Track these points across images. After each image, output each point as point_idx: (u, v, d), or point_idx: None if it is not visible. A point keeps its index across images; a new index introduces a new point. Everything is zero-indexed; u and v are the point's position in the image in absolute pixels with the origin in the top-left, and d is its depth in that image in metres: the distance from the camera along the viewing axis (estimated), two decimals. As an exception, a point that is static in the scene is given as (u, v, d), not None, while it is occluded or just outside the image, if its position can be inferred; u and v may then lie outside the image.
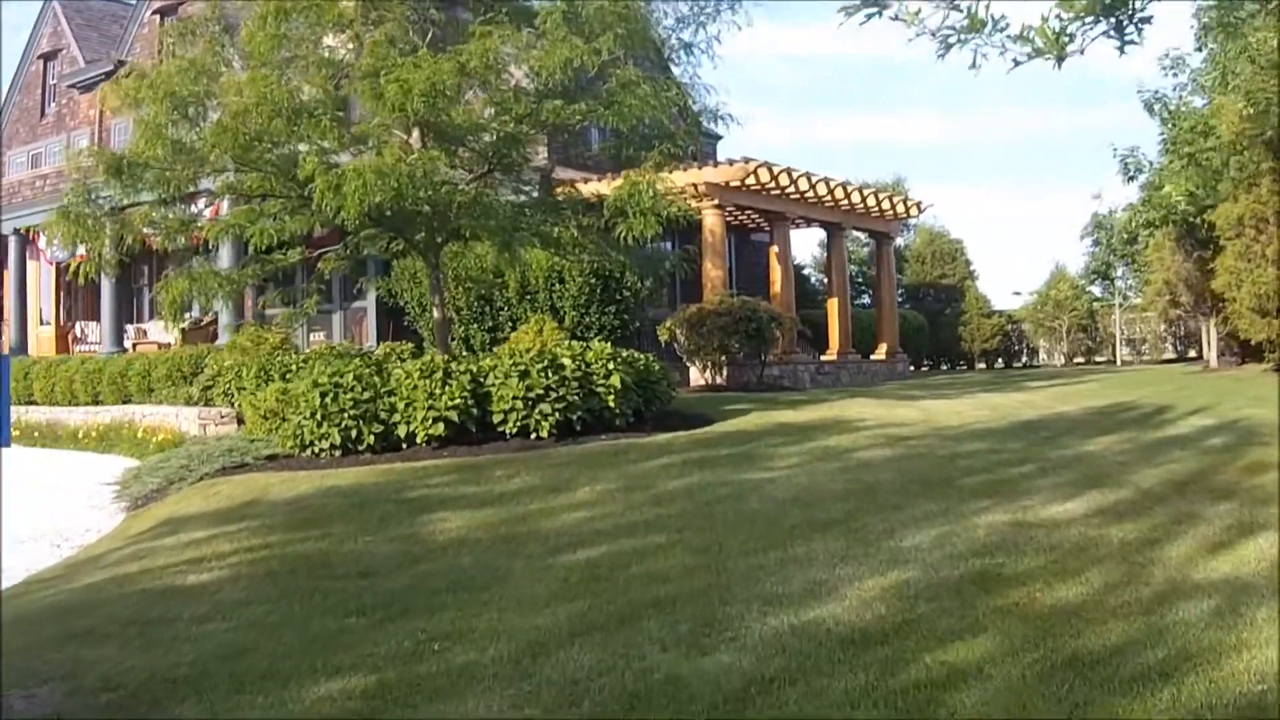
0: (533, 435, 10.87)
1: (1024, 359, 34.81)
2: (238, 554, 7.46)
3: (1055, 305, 32.81)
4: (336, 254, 14.23)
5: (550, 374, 10.92)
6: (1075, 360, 33.20)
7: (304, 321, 21.85)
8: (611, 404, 11.21)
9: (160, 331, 23.24)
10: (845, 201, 22.11)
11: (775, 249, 21.41)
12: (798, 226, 24.17)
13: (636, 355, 12.27)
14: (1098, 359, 34.22)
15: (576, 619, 5.09)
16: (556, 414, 10.86)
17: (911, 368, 26.39)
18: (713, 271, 19.68)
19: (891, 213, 23.93)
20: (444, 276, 18.27)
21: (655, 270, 15.40)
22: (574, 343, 12.04)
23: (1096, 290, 36.02)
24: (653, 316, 19.46)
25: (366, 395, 11.02)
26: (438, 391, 10.78)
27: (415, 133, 12.92)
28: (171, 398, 17.80)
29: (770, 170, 19.57)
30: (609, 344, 11.95)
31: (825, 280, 27.33)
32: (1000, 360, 33.48)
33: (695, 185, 19.31)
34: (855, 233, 33.72)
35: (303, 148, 12.25)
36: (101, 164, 12.06)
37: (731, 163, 19.76)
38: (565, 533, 6.90)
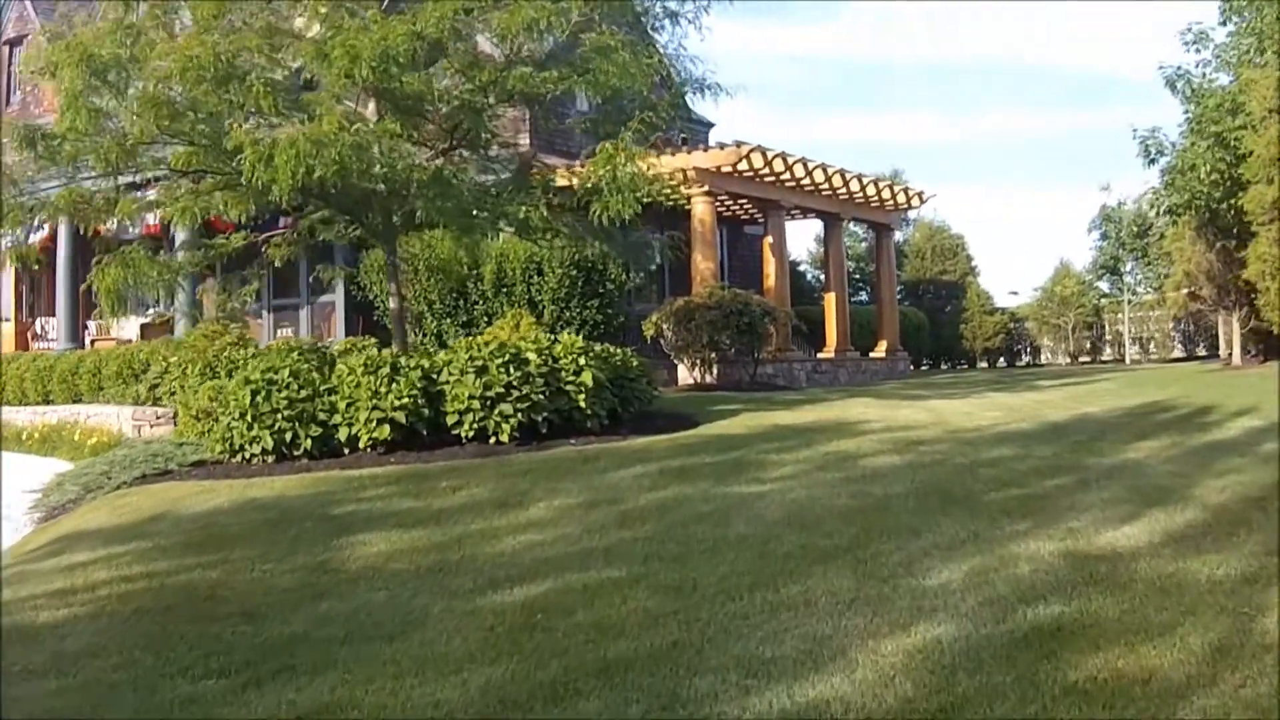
0: (492, 439, 9.56)
1: (1026, 358, 33.48)
2: (112, 584, 6.14)
3: (1060, 302, 31.47)
4: (285, 239, 12.92)
5: (512, 370, 9.59)
6: (1080, 359, 31.89)
7: (266, 314, 20.76)
8: (582, 404, 9.89)
9: (125, 327, 21.93)
10: (843, 190, 20.79)
11: (769, 240, 20.08)
12: (793, 217, 22.84)
13: (612, 350, 10.96)
14: (1103, 358, 32.91)
15: (494, 691, 3.78)
16: (519, 415, 9.53)
17: (911, 366, 25.08)
18: (702, 263, 18.35)
19: (891, 203, 22.61)
20: (417, 266, 17.06)
21: (638, 258, 14.08)
22: (540, 335, 10.71)
23: (1104, 286, 34.58)
24: (639, 311, 18.15)
25: (303, 394, 9.70)
26: (383, 390, 9.45)
27: (371, 104, 11.66)
28: (120, 397, 16.54)
29: (764, 155, 18.24)
30: (580, 337, 10.61)
31: (822, 276, 26.00)
32: (1002, 359, 32.16)
33: (684, 171, 17.96)
34: (854, 228, 32.61)
35: (252, 124, 10.96)
36: (12, 136, 10.74)
37: (722, 146, 18.42)
38: (505, 562, 5.59)
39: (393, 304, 12.26)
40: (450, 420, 9.57)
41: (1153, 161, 17.76)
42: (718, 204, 19.38)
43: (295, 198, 11.04)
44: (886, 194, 22.04)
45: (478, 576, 5.36)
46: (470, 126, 11.46)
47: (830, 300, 21.89)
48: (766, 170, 18.60)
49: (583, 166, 11.41)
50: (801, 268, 32.31)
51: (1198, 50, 17.14)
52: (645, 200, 11.42)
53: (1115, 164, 61.02)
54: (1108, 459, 7.74)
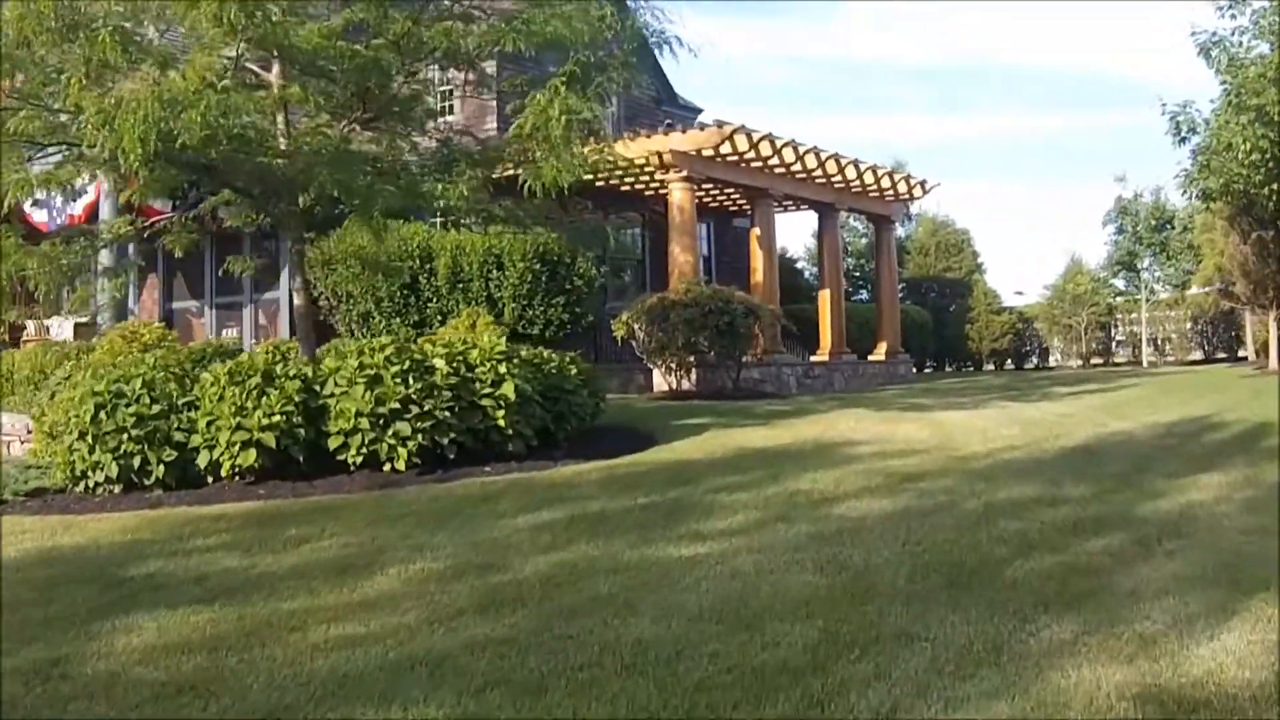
0: (386, 466, 7.71)
1: (1035, 360, 31.46)
2: None
3: (1072, 300, 29.46)
4: (179, 224, 11.06)
5: (412, 381, 7.72)
6: (1092, 361, 29.91)
7: (209, 311, 18.97)
8: (501, 422, 8.02)
9: (64, 328, 20.21)
10: (839, 177, 18.83)
11: (756, 231, 18.17)
12: (785, 209, 20.95)
13: (546, 355, 9.12)
14: (1117, 360, 30.93)
15: None
16: (419, 437, 7.68)
17: (914, 369, 23.12)
18: (681, 256, 16.44)
19: (892, 192, 20.63)
20: (363, 260, 15.24)
21: (597, 244, 12.21)
22: (454, 339, 8.83)
23: (1120, 283, 32.44)
24: (613, 309, 16.30)
25: (156, 409, 7.86)
26: (250, 405, 7.60)
27: (276, 68, 9.85)
28: (26, 404, 14.76)
29: (749, 137, 16.32)
30: (503, 340, 8.74)
31: (818, 274, 24.08)
32: (1010, 361, 30.14)
33: (660, 154, 16.09)
34: (854, 223, 30.65)
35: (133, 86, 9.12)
36: None
37: (703, 127, 16.55)
38: (284, 680, 3.70)
39: (298, 301, 10.40)
40: (334, 443, 7.72)
41: (1183, 140, 15.77)
42: (699, 192, 17.52)
43: (164, 170, 9.26)
44: (886, 182, 20.08)
45: (233, 704, 3.49)
46: (381, 90, 9.64)
47: (824, 298, 19.94)
48: (753, 154, 16.68)
49: (510, 114, 9.55)
50: (799, 265, 30.38)
51: (1233, 16, 15.21)
52: (591, 172, 9.62)
53: (1118, 162, 59.16)
54: (1165, 503, 5.85)
